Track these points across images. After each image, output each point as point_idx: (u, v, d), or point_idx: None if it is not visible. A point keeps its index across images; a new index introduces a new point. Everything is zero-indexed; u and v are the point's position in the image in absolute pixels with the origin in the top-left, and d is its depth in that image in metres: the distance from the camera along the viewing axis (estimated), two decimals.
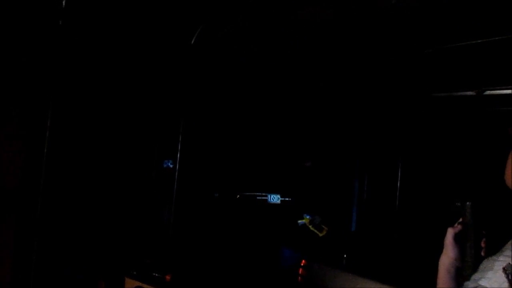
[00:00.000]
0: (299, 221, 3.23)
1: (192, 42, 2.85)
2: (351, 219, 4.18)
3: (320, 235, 3.25)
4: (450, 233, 1.14)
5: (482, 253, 1.09)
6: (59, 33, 2.50)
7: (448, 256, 1.13)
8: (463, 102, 3.52)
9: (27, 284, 2.40)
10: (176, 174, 3.00)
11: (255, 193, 3.66)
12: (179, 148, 3.02)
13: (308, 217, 3.13)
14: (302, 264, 3.04)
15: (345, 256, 3.54)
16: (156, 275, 2.73)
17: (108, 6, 2.60)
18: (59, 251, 2.62)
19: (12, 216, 2.40)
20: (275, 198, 3.63)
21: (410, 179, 4.11)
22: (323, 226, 3.37)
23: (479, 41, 2.67)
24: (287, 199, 3.64)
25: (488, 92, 3.27)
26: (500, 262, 0.95)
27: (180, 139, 3.04)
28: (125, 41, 2.85)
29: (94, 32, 2.68)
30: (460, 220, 1.17)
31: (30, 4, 2.45)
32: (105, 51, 2.80)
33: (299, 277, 2.92)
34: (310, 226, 3.19)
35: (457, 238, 1.13)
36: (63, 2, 2.48)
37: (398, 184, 4.13)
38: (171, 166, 3.03)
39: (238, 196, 3.56)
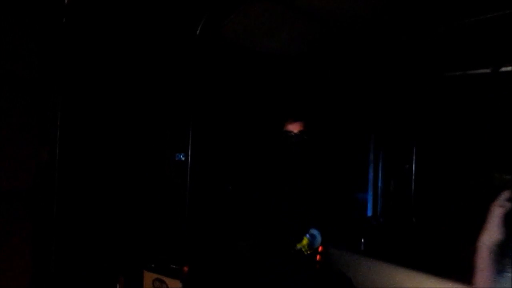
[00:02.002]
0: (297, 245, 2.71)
1: (198, 32, 2.82)
2: (367, 204, 4.15)
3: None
4: (498, 210, 1.05)
5: None
6: (64, 29, 2.49)
7: (491, 236, 1.04)
8: (478, 80, 3.44)
9: (46, 283, 2.44)
10: (189, 167, 2.99)
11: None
12: (190, 141, 3.01)
13: (308, 236, 2.69)
14: (319, 251, 3.01)
15: (363, 241, 3.52)
16: (174, 267, 2.75)
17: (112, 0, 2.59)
18: (77, 249, 2.65)
19: (29, 216, 2.43)
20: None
21: (425, 160, 4.05)
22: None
23: (489, 15, 2.61)
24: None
25: (504, 69, 3.20)
26: None
27: (190, 132, 3.03)
28: (130, 35, 2.83)
29: (98, 26, 2.67)
30: (507, 196, 1.06)
31: (34, 1, 2.45)
32: (111, 45, 2.79)
33: (317, 264, 2.90)
34: (305, 250, 2.70)
35: (505, 216, 1.04)
36: None
37: (414, 166, 4.08)
38: (183, 159, 3.03)
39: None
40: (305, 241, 2.64)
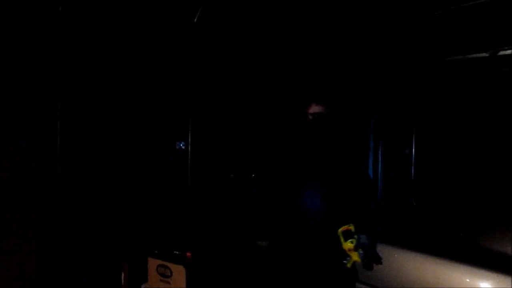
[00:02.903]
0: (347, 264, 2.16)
1: (195, 20, 2.82)
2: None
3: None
4: None
5: None
6: (60, 19, 2.50)
7: None
8: (477, 64, 3.44)
9: (52, 271, 2.49)
10: (189, 155, 3.02)
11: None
12: (190, 129, 3.04)
13: (360, 253, 2.13)
14: None
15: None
16: (177, 253, 2.80)
17: None
18: (81, 238, 2.70)
19: (34, 208, 2.47)
20: None
21: (425, 145, 4.07)
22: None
23: None
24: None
25: (502, 52, 3.19)
26: None
27: (190, 119, 3.05)
28: (128, 26, 2.84)
29: (95, 16, 2.68)
30: None
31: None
32: (107, 35, 2.80)
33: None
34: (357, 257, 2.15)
35: None
36: None
37: (413, 150, 4.10)
38: (183, 147, 3.06)
39: (253, 175, 3.56)
40: (355, 256, 2.13)
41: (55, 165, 2.56)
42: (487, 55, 3.23)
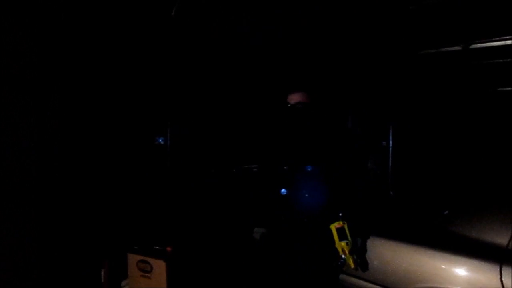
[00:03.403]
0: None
1: (173, 13, 2.82)
2: None
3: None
4: None
5: None
6: (37, 15, 2.48)
7: None
8: (450, 57, 3.52)
9: (32, 270, 2.47)
10: (168, 150, 3.02)
11: (252, 166, 3.61)
12: (169, 124, 3.04)
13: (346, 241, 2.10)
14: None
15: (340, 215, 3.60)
16: (158, 248, 2.80)
17: None
18: (60, 236, 2.67)
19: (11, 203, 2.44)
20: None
21: (401, 138, 4.15)
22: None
23: None
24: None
25: (474, 46, 3.28)
26: None
27: (169, 115, 3.06)
28: (106, 22, 2.83)
29: (71, 10, 2.66)
30: None
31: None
32: (85, 29, 2.78)
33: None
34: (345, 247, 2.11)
35: None
36: None
37: (390, 142, 4.18)
38: (163, 143, 3.06)
39: (234, 170, 3.57)
40: (350, 261, 2.10)
41: (33, 163, 2.53)
42: (459, 48, 3.33)
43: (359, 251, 2.24)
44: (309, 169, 2.30)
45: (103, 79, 2.93)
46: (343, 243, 2.09)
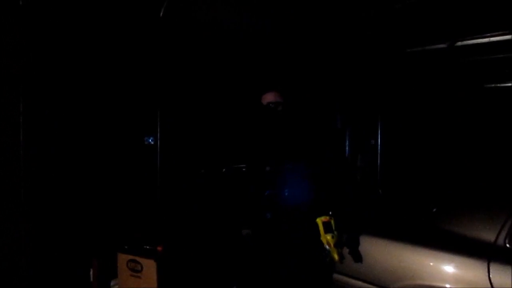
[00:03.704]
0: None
1: (161, 14, 2.81)
2: None
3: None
4: None
5: None
6: (21, 13, 2.45)
7: None
8: (436, 55, 3.57)
9: (20, 268, 2.45)
10: (158, 150, 3.01)
11: (241, 165, 3.59)
12: (159, 123, 3.02)
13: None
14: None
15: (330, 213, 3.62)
16: (148, 247, 2.79)
17: None
18: (49, 234, 2.65)
19: None
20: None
21: (389, 136, 4.19)
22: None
23: None
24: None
25: (459, 43, 3.33)
26: None
27: (159, 114, 3.04)
28: (95, 20, 2.81)
29: (58, 9, 2.63)
30: None
31: None
32: (73, 28, 2.75)
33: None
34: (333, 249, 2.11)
35: None
36: None
37: (379, 141, 4.22)
38: (153, 142, 3.05)
39: (224, 169, 3.55)
40: (334, 253, 2.10)
41: (19, 162, 2.51)
42: (445, 46, 3.38)
43: (344, 245, 2.26)
44: (290, 167, 2.30)
45: (94, 79, 2.91)
46: (328, 236, 2.11)
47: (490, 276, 1.91)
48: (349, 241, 2.30)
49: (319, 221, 2.15)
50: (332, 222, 2.15)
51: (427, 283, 2.09)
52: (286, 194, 2.29)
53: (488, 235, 2.06)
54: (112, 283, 2.87)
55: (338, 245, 2.13)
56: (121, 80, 3.08)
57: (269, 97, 2.44)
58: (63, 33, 2.73)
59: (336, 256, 2.10)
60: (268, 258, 2.34)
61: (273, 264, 2.31)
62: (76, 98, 2.85)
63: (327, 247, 2.11)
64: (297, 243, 2.28)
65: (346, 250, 2.29)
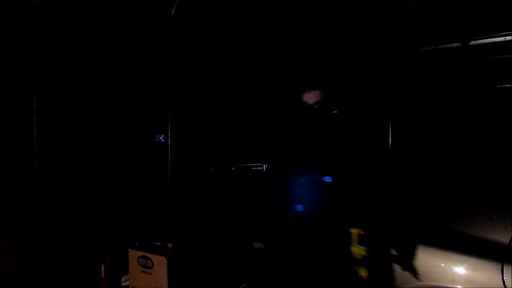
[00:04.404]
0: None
1: (173, 12, 2.82)
2: None
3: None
4: None
5: None
6: (34, 12, 2.47)
7: None
8: (449, 54, 3.52)
9: (30, 264, 2.47)
10: (169, 148, 3.02)
11: (251, 164, 3.56)
12: (169, 121, 3.03)
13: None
14: None
15: None
16: (158, 244, 2.81)
17: None
18: (60, 230, 2.68)
19: (10, 200, 2.44)
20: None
21: (401, 136, 4.14)
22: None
23: None
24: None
25: (473, 42, 3.29)
26: None
27: (170, 112, 3.05)
28: (106, 18, 2.82)
29: (70, 8, 2.65)
30: None
31: None
32: (84, 28, 2.77)
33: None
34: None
35: None
36: None
37: (390, 140, 4.18)
38: (163, 140, 3.05)
39: (233, 168, 3.54)
40: (363, 271, 2.04)
41: (32, 160, 2.54)
42: (459, 45, 3.33)
43: (374, 262, 2.15)
44: (327, 180, 2.09)
45: (106, 77, 2.93)
46: (360, 248, 2.06)
47: (504, 278, 1.89)
48: (378, 262, 2.19)
49: (355, 231, 2.07)
50: (366, 236, 2.08)
51: (438, 284, 2.08)
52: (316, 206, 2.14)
53: (502, 237, 2.04)
54: (123, 279, 2.90)
55: (366, 260, 2.07)
56: (133, 77, 3.10)
57: (314, 96, 2.20)
58: (75, 32, 2.74)
59: (363, 272, 2.06)
60: (285, 268, 2.23)
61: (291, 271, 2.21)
62: (88, 96, 2.87)
63: (356, 257, 2.07)
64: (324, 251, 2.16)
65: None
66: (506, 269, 1.88)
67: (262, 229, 2.55)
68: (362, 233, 2.07)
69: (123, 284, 2.88)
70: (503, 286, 1.87)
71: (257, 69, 3.60)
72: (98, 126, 2.93)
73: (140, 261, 2.79)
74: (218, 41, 3.35)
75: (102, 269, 2.88)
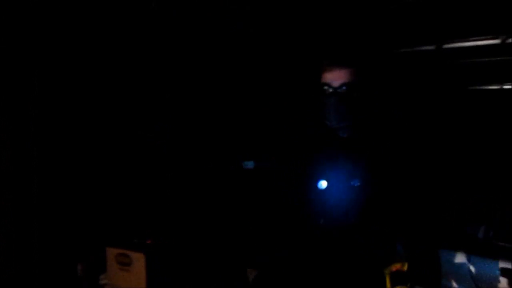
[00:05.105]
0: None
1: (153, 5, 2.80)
2: None
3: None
4: None
5: None
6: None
7: None
8: (424, 57, 3.63)
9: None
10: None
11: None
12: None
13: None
14: None
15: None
16: (137, 241, 2.77)
17: None
18: (35, 231, 2.62)
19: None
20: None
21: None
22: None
23: None
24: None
25: (447, 46, 3.40)
26: None
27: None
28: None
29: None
30: None
31: None
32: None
33: None
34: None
35: None
36: None
37: None
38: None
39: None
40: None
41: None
42: (432, 48, 3.44)
43: None
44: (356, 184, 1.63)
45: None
46: None
47: None
48: None
49: (387, 272, 1.53)
50: (405, 267, 1.52)
51: None
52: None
53: None
54: (101, 277, 2.84)
55: None
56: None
57: (341, 76, 1.65)
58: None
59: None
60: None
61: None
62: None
63: None
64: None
65: None
66: None
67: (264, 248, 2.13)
68: (399, 268, 1.53)
69: (101, 282, 2.82)
70: None
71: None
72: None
73: (118, 258, 2.74)
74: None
75: (79, 268, 2.82)
